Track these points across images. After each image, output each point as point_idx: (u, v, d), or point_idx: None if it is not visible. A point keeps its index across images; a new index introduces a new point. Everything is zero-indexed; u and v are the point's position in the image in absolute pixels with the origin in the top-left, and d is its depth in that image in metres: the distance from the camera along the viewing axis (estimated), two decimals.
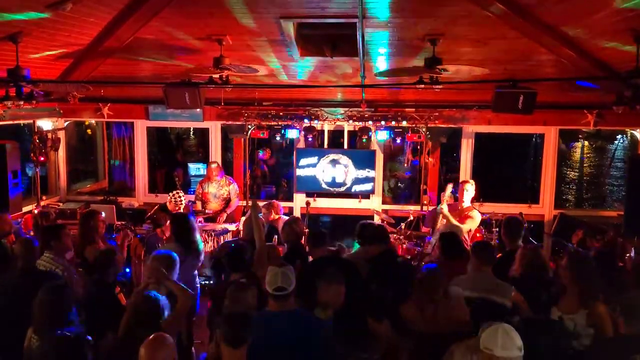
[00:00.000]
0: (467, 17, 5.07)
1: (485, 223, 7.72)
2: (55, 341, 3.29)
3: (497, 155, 14.43)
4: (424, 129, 8.09)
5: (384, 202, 8.86)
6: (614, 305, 3.49)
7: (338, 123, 8.42)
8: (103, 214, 5.58)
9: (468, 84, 5.92)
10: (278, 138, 8.35)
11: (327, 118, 8.30)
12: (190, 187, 10.68)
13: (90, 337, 3.47)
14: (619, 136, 19.86)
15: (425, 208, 8.25)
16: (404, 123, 8.05)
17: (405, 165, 10.94)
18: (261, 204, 6.47)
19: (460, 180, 7.18)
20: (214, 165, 7.95)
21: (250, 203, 5.27)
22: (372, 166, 8.45)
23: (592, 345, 3.42)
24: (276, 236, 6.24)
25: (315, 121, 8.24)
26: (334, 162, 8.48)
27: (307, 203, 8.14)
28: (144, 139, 9.03)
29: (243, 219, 7.37)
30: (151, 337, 2.93)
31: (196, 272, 5.29)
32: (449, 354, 3.19)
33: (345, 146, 8.73)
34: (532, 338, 3.24)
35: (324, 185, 8.53)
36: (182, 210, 7.14)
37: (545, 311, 3.85)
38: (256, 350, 3.30)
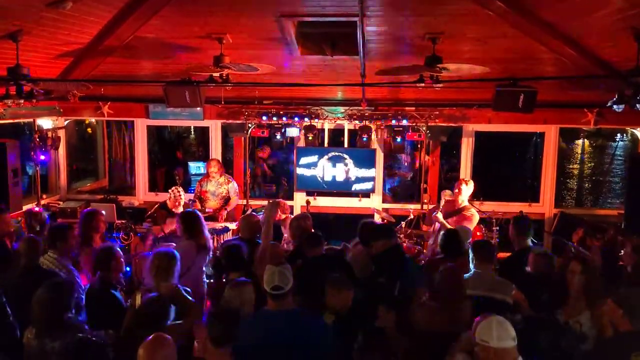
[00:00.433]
0: (468, 15, 5.07)
1: (485, 222, 7.73)
2: (72, 344, 3.30)
3: (497, 154, 14.42)
4: (424, 128, 8.09)
5: (384, 201, 8.86)
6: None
7: (338, 122, 8.42)
8: (104, 212, 5.59)
9: (468, 83, 5.91)
10: (278, 137, 8.34)
11: (327, 117, 8.30)
12: (190, 185, 10.68)
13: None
14: (619, 135, 19.87)
15: (425, 207, 8.25)
16: (405, 122, 8.05)
17: (405, 164, 10.94)
18: (264, 202, 6.44)
19: (460, 179, 7.18)
20: (213, 163, 7.95)
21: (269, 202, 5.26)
22: (372, 165, 8.45)
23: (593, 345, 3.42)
24: (286, 235, 6.21)
25: (316, 120, 8.24)
26: (334, 160, 8.47)
27: (308, 202, 8.15)
28: (144, 138, 9.03)
29: (241, 217, 7.37)
30: (151, 337, 2.93)
31: (205, 269, 5.28)
32: (450, 356, 3.19)
33: (346, 145, 8.73)
34: (533, 336, 3.25)
35: (324, 184, 8.54)
36: (181, 206, 7.15)
37: (546, 310, 3.86)
38: (254, 349, 3.31)
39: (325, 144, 8.74)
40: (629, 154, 16.47)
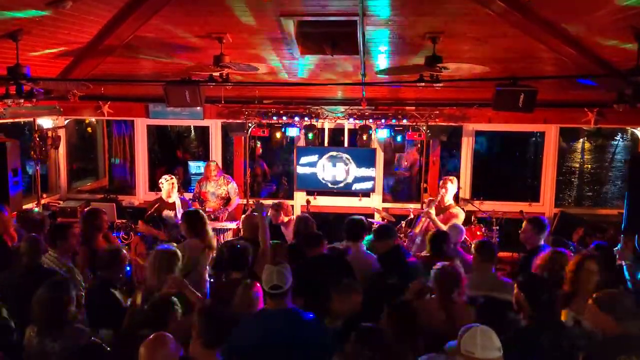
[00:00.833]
0: (468, 15, 5.07)
1: (485, 221, 7.74)
2: (78, 348, 3.29)
3: (497, 153, 14.42)
4: (424, 127, 8.09)
5: (384, 200, 8.87)
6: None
7: (338, 121, 8.42)
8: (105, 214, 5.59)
9: (468, 82, 5.91)
10: (278, 136, 8.35)
11: (327, 116, 8.30)
12: (190, 185, 10.68)
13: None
14: (619, 135, 19.84)
15: (425, 206, 8.25)
16: (405, 121, 8.05)
17: (406, 163, 10.94)
18: (266, 202, 6.44)
19: (442, 178, 7.14)
20: (212, 165, 7.93)
21: (254, 203, 5.29)
22: (372, 164, 8.45)
23: (585, 345, 3.39)
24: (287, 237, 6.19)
25: (316, 119, 8.24)
26: (335, 160, 8.48)
27: (308, 201, 8.15)
28: (144, 137, 9.03)
29: (243, 217, 7.37)
30: (152, 336, 2.92)
31: (208, 268, 5.28)
32: None
33: (346, 144, 8.73)
34: (535, 336, 3.24)
35: (324, 183, 8.54)
36: (175, 193, 7.09)
37: (548, 310, 3.85)
38: (253, 348, 3.31)
39: (326, 144, 8.75)
40: (629, 154, 16.46)
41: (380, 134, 8.19)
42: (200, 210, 5.53)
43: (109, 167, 10.86)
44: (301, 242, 5.17)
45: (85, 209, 6.52)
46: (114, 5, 5.14)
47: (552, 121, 8.18)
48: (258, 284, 3.75)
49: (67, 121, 8.87)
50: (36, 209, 7.65)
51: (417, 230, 6.82)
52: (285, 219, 6.66)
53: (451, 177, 6.96)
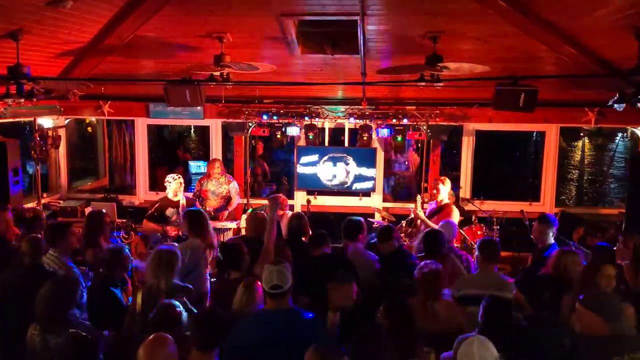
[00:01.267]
0: (468, 14, 5.07)
1: (486, 221, 7.74)
2: (71, 340, 3.29)
3: (497, 152, 14.41)
4: (424, 127, 8.09)
5: (384, 200, 8.87)
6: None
7: (339, 121, 8.42)
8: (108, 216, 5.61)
9: (469, 82, 5.91)
10: (279, 135, 8.35)
11: (327, 116, 8.29)
12: (191, 184, 10.67)
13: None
14: (619, 134, 19.83)
15: (425, 206, 8.25)
16: (405, 121, 8.05)
17: (406, 163, 10.93)
18: (265, 202, 6.45)
19: (435, 179, 7.17)
20: (217, 164, 7.89)
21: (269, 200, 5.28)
22: (372, 164, 8.45)
23: (577, 346, 3.38)
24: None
25: (316, 119, 8.24)
26: (335, 160, 8.47)
27: (308, 201, 8.15)
28: (145, 137, 9.03)
29: (244, 216, 7.37)
30: (151, 337, 2.92)
31: (209, 268, 5.27)
32: None
33: (346, 144, 8.73)
34: (536, 335, 3.24)
35: (324, 183, 8.53)
36: (181, 193, 7.12)
37: (549, 309, 3.85)
38: (253, 348, 3.31)
39: (326, 143, 8.74)
40: (629, 153, 16.45)
41: (381, 134, 8.18)
42: (203, 210, 5.53)
43: (109, 167, 10.86)
44: (299, 240, 5.20)
45: (88, 211, 6.53)
46: (114, 4, 5.15)
47: (553, 121, 8.17)
48: (258, 283, 3.75)
49: (67, 121, 8.87)
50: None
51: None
52: (280, 213, 6.68)
53: (442, 178, 6.97)
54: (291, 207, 8.60)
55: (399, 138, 8.18)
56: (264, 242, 4.59)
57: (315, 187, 8.62)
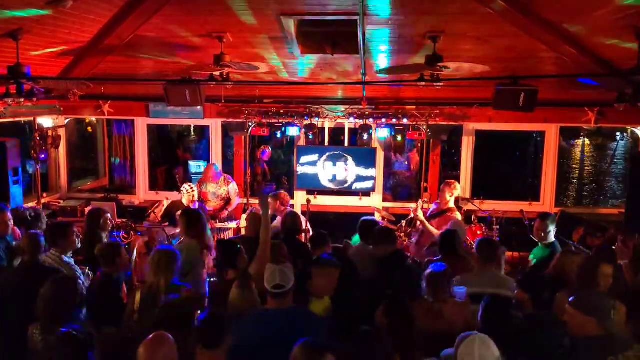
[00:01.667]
0: (468, 14, 5.06)
1: (485, 221, 7.74)
2: (58, 339, 3.29)
3: (497, 152, 14.43)
4: (424, 127, 8.09)
5: (384, 200, 8.87)
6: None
7: (339, 121, 8.42)
8: (109, 214, 5.60)
9: (469, 82, 5.91)
10: (279, 135, 8.36)
11: (327, 115, 8.30)
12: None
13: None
14: (619, 134, 19.84)
15: (425, 205, 8.25)
16: (405, 121, 8.05)
17: (406, 163, 10.94)
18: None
19: (446, 181, 7.12)
20: (213, 168, 7.92)
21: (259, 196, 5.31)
22: (372, 164, 8.45)
23: (575, 346, 3.38)
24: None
25: (316, 119, 8.24)
26: (335, 159, 8.47)
27: (308, 200, 8.14)
28: (145, 137, 9.03)
29: (244, 215, 7.37)
30: (151, 336, 2.91)
31: (206, 269, 5.26)
32: None
33: (346, 144, 8.74)
34: (536, 334, 3.23)
35: (324, 183, 8.54)
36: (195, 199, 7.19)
37: (549, 308, 3.86)
38: (255, 348, 3.30)
39: (326, 143, 8.75)
40: (629, 153, 16.47)
41: (381, 134, 8.19)
42: (200, 211, 5.53)
43: (109, 167, 10.86)
44: (294, 238, 5.25)
45: (88, 209, 6.52)
46: (114, 4, 5.15)
47: (553, 120, 8.18)
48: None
49: (67, 120, 8.87)
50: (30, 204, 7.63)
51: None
52: (282, 209, 6.67)
53: (452, 184, 6.88)
54: (291, 207, 8.61)
55: (399, 138, 8.19)
56: (260, 242, 4.57)
57: (315, 187, 8.62)
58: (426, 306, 3.87)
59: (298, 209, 8.46)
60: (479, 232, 7.41)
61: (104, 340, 3.64)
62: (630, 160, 8.25)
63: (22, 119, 8.48)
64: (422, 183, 8.61)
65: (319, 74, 7.31)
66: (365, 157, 8.46)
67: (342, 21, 5.47)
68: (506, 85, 5.48)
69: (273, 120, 8.22)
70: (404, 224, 7.68)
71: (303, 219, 6.02)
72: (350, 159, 8.45)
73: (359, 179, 8.48)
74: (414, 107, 8.14)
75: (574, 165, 20.05)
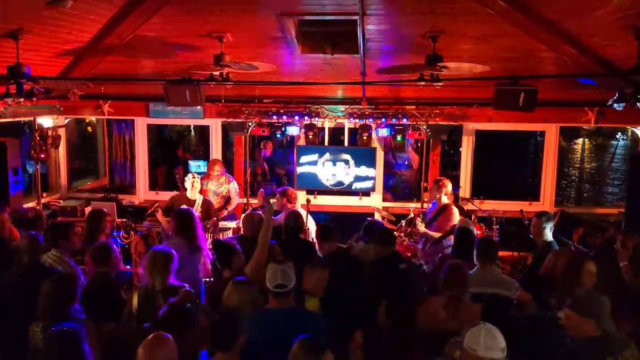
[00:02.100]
0: (468, 14, 5.06)
1: (485, 220, 7.74)
2: (52, 336, 3.28)
3: (497, 152, 14.43)
4: (424, 127, 8.09)
5: (384, 200, 8.87)
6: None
7: (338, 120, 8.42)
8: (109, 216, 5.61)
9: (469, 81, 5.91)
10: (279, 135, 8.36)
11: (327, 115, 8.29)
12: None
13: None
14: (619, 134, 19.85)
15: (425, 205, 8.25)
16: (405, 120, 8.05)
17: (406, 163, 10.95)
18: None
19: (434, 180, 7.11)
20: (217, 167, 7.89)
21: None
22: (372, 164, 8.45)
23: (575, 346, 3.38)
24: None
25: (316, 118, 8.24)
26: (335, 159, 8.47)
27: (308, 200, 8.14)
28: (145, 137, 9.03)
29: (244, 215, 7.36)
30: (150, 336, 2.91)
31: (200, 270, 5.25)
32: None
33: (346, 143, 8.73)
34: (537, 335, 3.24)
35: (324, 183, 8.54)
36: (197, 189, 7.16)
37: (549, 308, 3.85)
38: (256, 347, 3.30)
39: (326, 143, 8.75)
40: (629, 153, 16.47)
41: (381, 133, 8.18)
42: (192, 211, 5.52)
43: (109, 166, 10.86)
44: (296, 237, 5.31)
45: (89, 210, 6.52)
46: (114, 4, 5.15)
47: (553, 120, 8.18)
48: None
49: (67, 120, 8.87)
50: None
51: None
52: (289, 206, 6.68)
53: (442, 181, 6.89)
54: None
55: (399, 138, 8.19)
56: (259, 243, 4.55)
57: (315, 186, 8.62)
58: (442, 304, 3.84)
59: (298, 209, 8.45)
60: (478, 232, 7.40)
61: (104, 337, 3.64)
62: (630, 160, 8.25)
63: (22, 119, 8.48)
64: (422, 183, 8.60)
65: (319, 74, 7.31)
66: (365, 157, 8.46)
67: (341, 21, 5.48)
68: (506, 85, 5.49)
69: (273, 120, 8.22)
70: (403, 224, 7.67)
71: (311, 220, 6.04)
72: (350, 158, 8.45)
73: (359, 178, 8.48)
74: (414, 107, 8.14)
75: (574, 165, 20.06)
